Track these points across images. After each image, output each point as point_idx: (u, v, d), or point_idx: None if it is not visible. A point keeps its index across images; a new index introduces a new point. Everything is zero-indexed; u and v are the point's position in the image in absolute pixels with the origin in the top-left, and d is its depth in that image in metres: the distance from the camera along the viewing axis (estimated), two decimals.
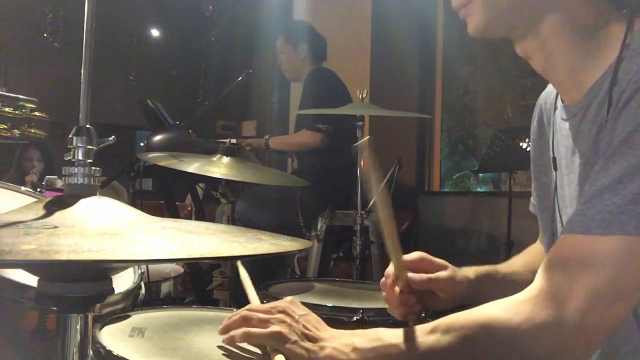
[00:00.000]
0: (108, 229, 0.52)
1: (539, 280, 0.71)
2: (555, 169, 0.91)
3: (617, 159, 0.67)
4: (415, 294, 0.95)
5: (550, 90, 1.00)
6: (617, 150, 0.67)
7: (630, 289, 0.66)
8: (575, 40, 0.79)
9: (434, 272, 0.98)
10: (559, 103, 0.90)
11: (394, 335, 0.77)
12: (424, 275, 0.96)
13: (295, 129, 2.99)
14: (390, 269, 0.95)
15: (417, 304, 0.96)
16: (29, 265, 0.48)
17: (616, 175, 0.66)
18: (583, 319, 0.66)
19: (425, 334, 0.75)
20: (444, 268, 0.99)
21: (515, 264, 1.09)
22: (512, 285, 1.01)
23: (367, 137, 0.79)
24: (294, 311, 0.86)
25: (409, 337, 0.75)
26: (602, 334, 0.69)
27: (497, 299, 0.98)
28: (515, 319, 0.69)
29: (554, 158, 0.91)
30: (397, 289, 0.95)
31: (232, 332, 0.84)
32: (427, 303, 0.99)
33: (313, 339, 0.81)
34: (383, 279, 0.97)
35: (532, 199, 1.10)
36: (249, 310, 0.87)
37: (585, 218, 0.68)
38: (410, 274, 0.95)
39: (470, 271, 1.02)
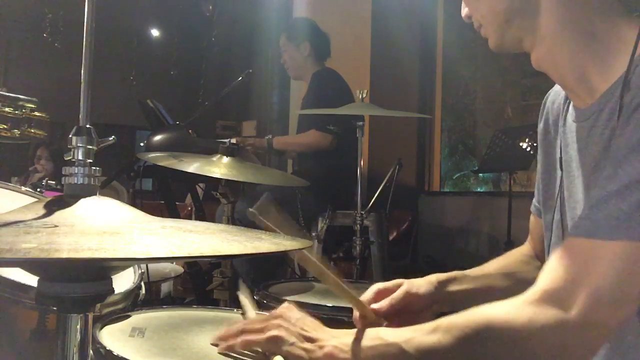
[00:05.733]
0: (108, 228, 0.52)
1: (542, 282, 0.71)
2: (562, 170, 0.91)
3: (625, 165, 0.67)
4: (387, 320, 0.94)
5: (558, 90, 1.00)
6: (626, 157, 0.68)
7: (632, 293, 0.67)
8: (579, 46, 0.80)
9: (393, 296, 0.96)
10: (571, 104, 0.90)
11: (394, 335, 0.77)
12: (383, 302, 0.95)
13: (298, 129, 2.97)
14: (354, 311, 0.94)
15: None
16: (29, 264, 0.48)
17: (624, 181, 0.67)
18: (585, 320, 0.66)
19: (427, 333, 0.74)
20: (400, 286, 0.98)
21: (489, 267, 1.08)
22: (484, 288, 1.03)
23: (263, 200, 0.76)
24: (290, 316, 0.86)
25: (410, 336, 0.75)
26: (603, 336, 0.70)
27: (471, 301, 0.99)
28: (518, 321, 0.69)
29: (561, 159, 0.91)
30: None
31: (231, 341, 0.84)
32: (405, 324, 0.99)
33: (311, 340, 0.81)
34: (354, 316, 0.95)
35: (534, 200, 1.09)
36: (245, 323, 0.88)
37: (591, 222, 0.69)
38: (372, 306, 0.93)
39: (433, 278, 1.01)
